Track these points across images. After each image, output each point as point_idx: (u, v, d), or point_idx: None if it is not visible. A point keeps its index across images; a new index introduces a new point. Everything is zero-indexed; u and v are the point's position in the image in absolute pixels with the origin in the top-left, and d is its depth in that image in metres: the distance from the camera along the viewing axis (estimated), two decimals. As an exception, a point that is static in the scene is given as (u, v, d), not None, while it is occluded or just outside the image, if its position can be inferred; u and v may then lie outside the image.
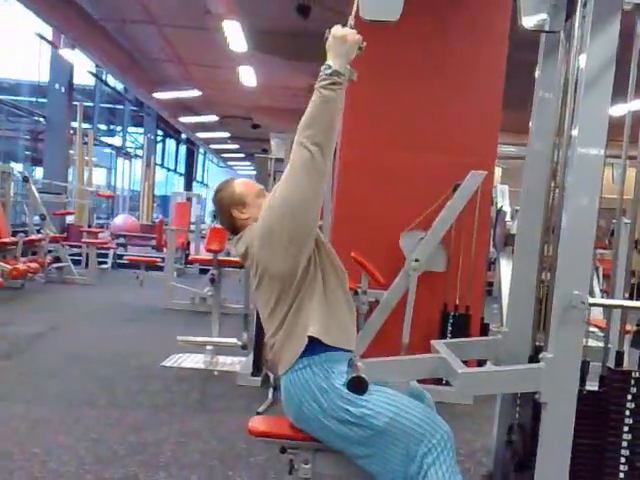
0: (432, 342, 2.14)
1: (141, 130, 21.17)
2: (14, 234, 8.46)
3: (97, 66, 13.66)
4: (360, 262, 4.39)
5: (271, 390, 4.16)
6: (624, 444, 1.84)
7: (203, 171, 31.74)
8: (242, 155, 26.64)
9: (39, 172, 14.22)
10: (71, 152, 13.15)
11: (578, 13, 1.90)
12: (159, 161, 21.85)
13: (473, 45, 4.69)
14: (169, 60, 11.77)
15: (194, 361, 5.09)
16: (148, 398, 4.18)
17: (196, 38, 9.89)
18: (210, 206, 23.51)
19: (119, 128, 20.75)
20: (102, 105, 18.64)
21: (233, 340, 4.89)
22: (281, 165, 7.84)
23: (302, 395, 2.04)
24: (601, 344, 2.00)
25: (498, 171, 10.05)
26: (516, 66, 4.65)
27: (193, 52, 11.06)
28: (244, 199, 2.28)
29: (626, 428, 1.83)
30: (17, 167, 12.08)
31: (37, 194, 9.37)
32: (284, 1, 7.31)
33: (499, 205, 4.87)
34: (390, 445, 1.95)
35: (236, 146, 23.26)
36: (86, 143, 13.27)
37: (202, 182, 30.74)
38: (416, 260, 4.45)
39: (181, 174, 26.59)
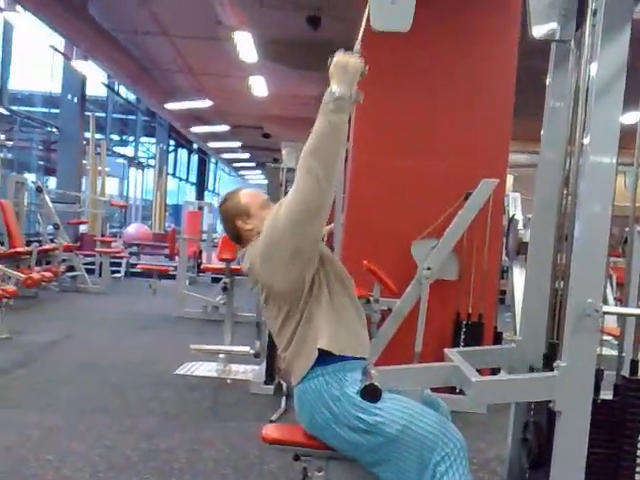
0: (445, 350, 2.14)
1: (153, 140, 21.29)
2: (28, 243, 8.53)
3: (109, 77, 13.77)
4: (372, 270, 4.39)
5: (284, 398, 4.17)
6: (639, 453, 1.84)
7: (215, 180, 31.85)
8: (253, 164, 26.73)
9: (52, 182, 14.33)
10: (84, 162, 13.24)
11: (588, 22, 1.91)
12: (171, 171, 21.97)
13: (484, 53, 4.70)
14: (180, 70, 11.85)
15: (207, 369, 5.11)
16: (161, 406, 4.19)
17: (207, 48, 9.95)
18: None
19: (131, 138, 20.89)
20: (114, 116, 18.77)
21: (246, 348, 4.90)
22: (292, 174, 7.86)
23: (315, 404, 2.05)
24: (615, 352, 1.99)
25: (510, 179, 10.03)
26: (526, 74, 4.65)
27: (204, 62, 11.13)
28: (249, 210, 2.30)
29: (641, 437, 1.82)
30: (30, 177, 12.15)
31: (51, 204, 9.45)
32: (294, 12, 7.35)
33: (511, 213, 4.86)
34: (403, 453, 1.95)
35: (247, 155, 23.34)
36: (99, 153, 13.36)
37: (214, 191, 30.84)
38: (428, 268, 4.45)
39: (193, 183, 26.70)
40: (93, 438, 3.52)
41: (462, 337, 4.52)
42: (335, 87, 1.95)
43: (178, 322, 7.27)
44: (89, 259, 10.45)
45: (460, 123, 4.70)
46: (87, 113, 13.28)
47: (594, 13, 1.86)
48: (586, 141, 1.79)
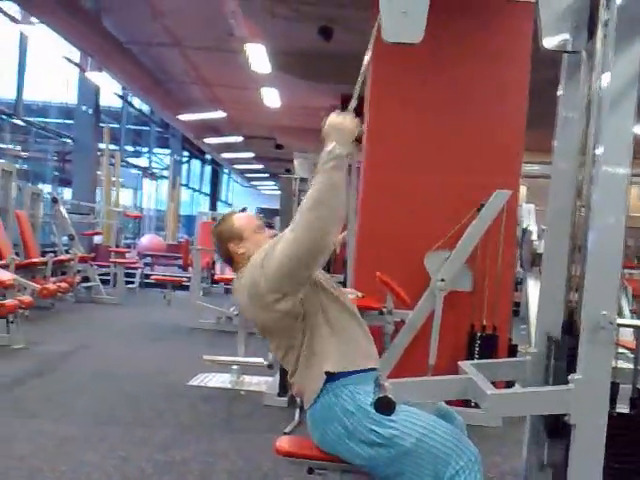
0: (459, 363, 2.13)
1: (167, 151, 21.42)
2: (43, 254, 8.60)
3: (123, 88, 13.88)
4: (385, 282, 4.39)
5: (298, 410, 4.16)
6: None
7: (227, 191, 31.97)
8: (266, 175, 26.81)
9: (67, 193, 14.44)
10: (98, 173, 13.34)
11: (600, 33, 1.90)
12: (184, 181, 22.08)
13: (496, 66, 4.70)
14: (194, 82, 11.92)
15: (220, 380, 5.11)
16: (175, 417, 4.20)
17: (220, 60, 10.02)
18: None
19: (145, 149, 21.03)
20: (128, 127, 18.92)
21: (259, 360, 4.90)
22: (305, 185, 7.89)
23: (327, 420, 2.05)
24: (631, 365, 1.97)
25: (523, 190, 9.99)
26: (538, 84, 4.65)
27: (217, 74, 11.20)
28: (242, 233, 2.31)
29: (658, 451, 1.81)
30: (46, 188, 12.27)
31: (66, 215, 9.53)
32: (306, 23, 7.38)
33: (525, 224, 4.83)
34: (418, 466, 1.94)
35: (260, 166, 23.42)
36: (113, 164, 13.46)
37: (226, 202, 30.96)
38: (442, 280, 4.44)
39: (206, 194, 26.82)
40: (107, 449, 3.53)
41: (476, 349, 4.49)
42: (332, 147, 1.95)
43: (192, 333, 7.29)
44: (104, 270, 10.51)
45: (474, 134, 4.70)
46: (101, 124, 13.39)
47: (605, 24, 1.86)
48: (599, 152, 1.79)
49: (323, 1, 7.02)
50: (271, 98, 11.19)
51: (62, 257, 8.93)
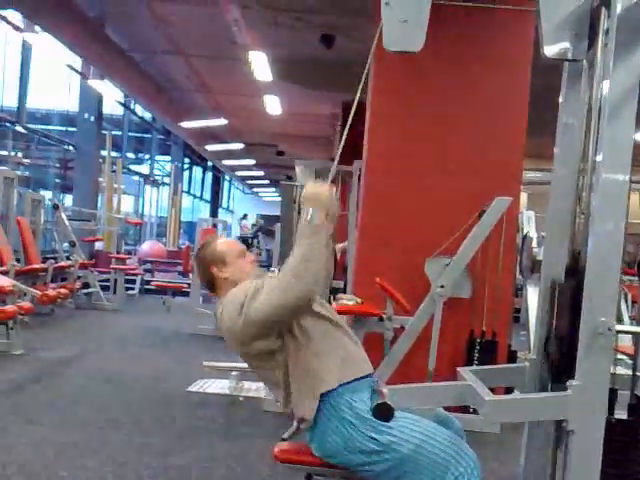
0: (458, 369, 2.13)
1: (168, 158, 21.44)
2: (44, 261, 8.60)
3: (126, 96, 13.92)
4: (385, 288, 4.39)
5: (296, 416, 4.15)
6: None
7: (229, 198, 32.00)
8: (267, 182, 26.85)
9: (68, 199, 14.45)
10: (100, 180, 13.36)
11: (600, 41, 1.91)
12: (186, 188, 22.10)
13: (497, 73, 4.72)
14: (196, 90, 11.95)
15: (219, 387, 5.10)
16: (173, 423, 4.20)
17: (222, 68, 10.05)
18: (236, 232, 23.69)
19: (147, 156, 21.06)
20: (130, 134, 18.94)
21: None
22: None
23: (325, 432, 2.06)
24: (630, 372, 1.98)
25: (524, 197, 10.00)
26: (538, 91, 4.66)
27: (219, 82, 11.23)
28: (224, 258, 2.33)
29: (656, 457, 1.80)
30: (47, 194, 12.25)
31: (67, 221, 9.53)
32: (308, 31, 7.41)
33: (525, 231, 4.84)
34: (417, 472, 1.95)
35: (261, 173, 23.45)
36: (115, 171, 13.48)
37: (228, 208, 30.98)
38: (442, 286, 4.44)
39: (207, 201, 26.83)
40: (106, 455, 3.53)
41: (476, 355, 4.49)
42: (310, 215, 1.99)
43: (191, 339, 7.28)
44: (104, 276, 10.51)
45: (474, 141, 4.71)
46: (104, 131, 13.42)
47: (606, 32, 1.87)
48: (599, 158, 1.80)
49: (325, 9, 7.05)
50: (273, 105, 11.22)
51: (62, 263, 8.92)
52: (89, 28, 8.27)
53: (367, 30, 3.46)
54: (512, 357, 4.77)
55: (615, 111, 1.77)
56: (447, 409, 2.27)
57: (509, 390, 3.09)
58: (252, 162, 20.05)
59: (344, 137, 2.60)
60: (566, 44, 2.03)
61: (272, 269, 8.24)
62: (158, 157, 21.48)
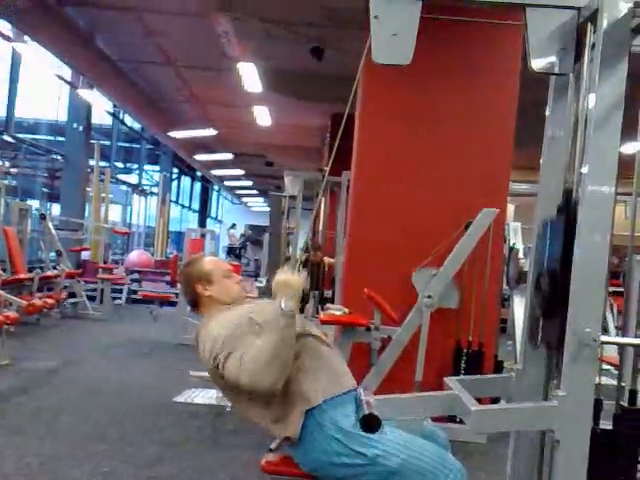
0: (445, 379, 2.14)
1: (157, 168, 21.40)
2: (30, 270, 8.55)
3: (115, 106, 13.90)
4: (373, 298, 4.40)
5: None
6: (639, 483, 1.83)
7: (217, 208, 31.97)
8: (256, 192, 26.85)
9: (56, 209, 14.38)
10: (88, 189, 13.31)
11: (586, 55, 1.94)
12: (174, 198, 22.05)
13: (485, 85, 4.76)
14: (185, 100, 11.96)
15: (206, 397, 5.09)
16: (160, 433, 4.17)
17: (212, 79, 10.07)
18: (224, 242, 23.65)
19: (135, 166, 21.02)
20: (119, 144, 18.91)
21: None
22: (294, 202, 7.92)
23: (310, 447, 2.07)
24: (615, 382, 1.99)
25: (511, 208, 10.06)
26: (526, 104, 4.71)
27: (209, 92, 11.24)
28: (211, 276, 2.35)
29: (641, 467, 1.82)
30: (34, 204, 12.20)
31: (54, 231, 9.49)
32: (298, 44, 7.45)
33: (512, 242, 4.88)
34: None
35: (250, 183, 23.46)
36: (103, 181, 13.43)
37: (216, 218, 30.94)
38: (429, 297, 4.45)
39: (195, 211, 26.80)
40: (93, 466, 3.50)
41: (462, 366, 4.50)
42: (283, 303, 2.02)
43: (178, 349, 7.24)
44: (91, 286, 10.46)
45: (461, 153, 4.75)
46: (92, 141, 13.39)
47: (592, 47, 1.90)
48: (584, 170, 1.82)
49: (315, 22, 7.10)
50: (262, 116, 11.25)
51: (49, 273, 8.88)
52: (79, 38, 8.27)
53: (357, 43, 3.48)
54: (498, 367, 4.79)
55: (601, 124, 1.79)
56: (434, 419, 2.27)
57: (495, 400, 3.10)
58: (241, 172, 20.06)
59: (334, 149, 2.63)
60: (553, 58, 2.06)
61: (259, 279, 8.25)
62: (147, 167, 21.44)
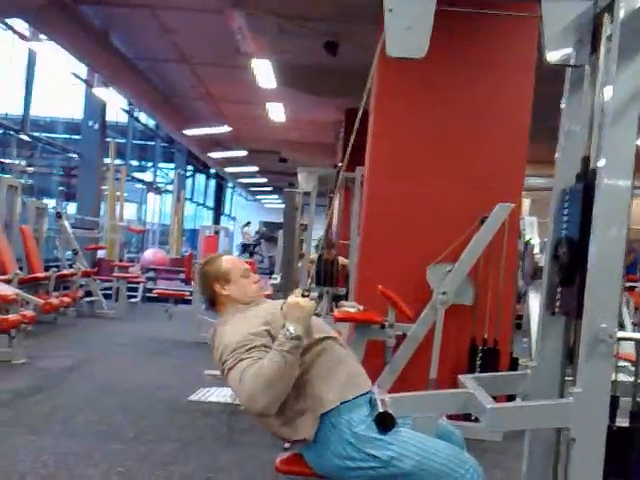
0: (460, 377, 2.12)
1: (172, 166, 21.48)
2: (47, 269, 8.60)
3: (130, 103, 13.95)
4: (387, 295, 4.38)
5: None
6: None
7: (231, 205, 32.04)
8: (270, 189, 26.88)
9: (72, 207, 14.47)
10: (103, 188, 13.39)
11: (603, 47, 1.91)
12: (188, 195, 22.13)
13: (500, 78, 4.72)
14: (200, 97, 11.99)
15: (221, 395, 5.09)
16: (176, 432, 4.18)
17: (226, 76, 10.08)
18: (238, 239, 23.71)
19: (150, 164, 21.10)
20: (134, 142, 18.99)
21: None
22: (308, 199, 7.91)
23: (324, 450, 2.06)
24: (632, 379, 1.96)
25: (526, 203, 9.98)
26: (541, 97, 4.66)
27: (223, 89, 11.26)
28: (228, 276, 2.34)
29: (659, 466, 1.79)
30: (50, 202, 12.26)
31: (70, 229, 9.54)
32: (312, 38, 7.43)
33: (527, 237, 4.83)
34: None
35: (264, 180, 23.49)
36: (118, 179, 13.49)
37: (230, 216, 31.02)
38: (443, 293, 4.42)
39: (210, 208, 26.87)
40: (108, 464, 3.51)
41: (478, 363, 4.47)
42: (292, 327, 2.01)
43: (193, 347, 7.26)
44: (106, 284, 10.52)
45: (476, 147, 4.71)
46: (107, 139, 13.45)
47: (609, 38, 1.86)
48: (601, 164, 1.79)
49: (329, 16, 7.08)
50: (276, 113, 11.25)
51: (65, 272, 8.93)
52: (94, 36, 8.31)
53: (371, 37, 3.45)
54: (514, 364, 4.74)
55: (617, 117, 1.76)
56: (449, 417, 2.25)
57: (511, 398, 3.07)
58: (255, 169, 20.08)
59: (350, 144, 2.60)
60: (569, 50, 2.03)
61: (274, 276, 8.25)
62: (161, 164, 21.52)
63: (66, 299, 7.92)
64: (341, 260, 8.32)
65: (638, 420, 1.85)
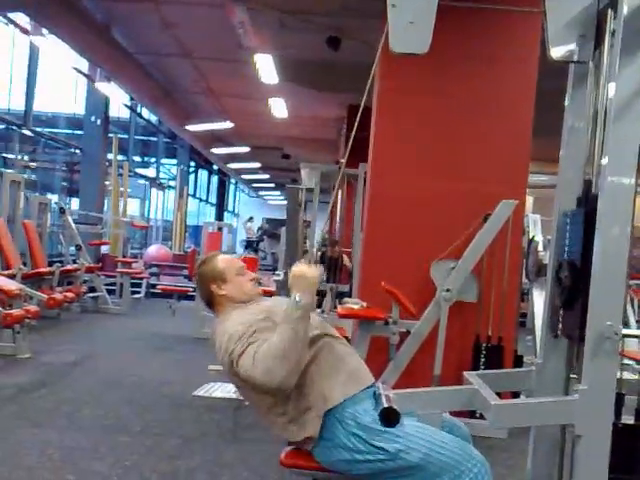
0: (464, 373, 2.12)
1: (174, 162, 21.48)
2: (50, 264, 8.62)
3: (132, 99, 13.95)
4: (391, 292, 4.38)
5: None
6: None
7: (234, 201, 32.04)
8: (272, 185, 26.87)
9: (75, 203, 14.48)
10: (106, 183, 13.39)
11: (606, 43, 1.91)
12: (191, 191, 22.12)
13: (504, 75, 4.71)
14: (202, 92, 11.97)
15: (225, 390, 5.09)
16: (180, 427, 4.19)
17: (229, 71, 10.07)
18: (241, 235, 23.70)
19: (153, 160, 21.10)
20: (137, 137, 18.99)
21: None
22: (311, 195, 7.91)
23: (330, 445, 2.06)
24: (637, 376, 1.96)
25: (530, 200, 9.97)
26: (544, 94, 4.65)
27: (225, 84, 11.25)
28: (224, 275, 2.35)
29: (664, 462, 1.79)
30: (53, 198, 12.27)
31: (73, 225, 9.55)
32: (315, 33, 7.42)
33: (531, 235, 4.82)
34: (431, 478, 1.94)
35: (267, 176, 23.48)
36: (121, 174, 13.50)
37: (233, 212, 31.01)
38: (447, 290, 4.42)
39: (213, 204, 26.88)
40: (113, 458, 3.53)
41: (482, 360, 4.47)
42: (298, 296, 2.02)
43: (197, 343, 7.27)
44: (110, 280, 10.53)
45: (479, 143, 4.70)
46: (110, 134, 13.45)
47: (612, 34, 1.86)
48: (604, 161, 1.79)
49: (332, 11, 7.06)
50: (278, 108, 11.24)
51: (69, 267, 8.95)
52: (96, 31, 8.31)
53: (373, 32, 3.44)
54: (518, 361, 4.75)
55: (621, 113, 1.76)
56: (453, 414, 2.25)
57: (515, 395, 3.08)
58: (258, 165, 20.07)
59: (351, 140, 2.60)
60: (572, 46, 2.03)
61: (277, 272, 8.25)
62: (164, 160, 21.52)
63: (70, 294, 7.93)
64: (346, 261, 8.34)
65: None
